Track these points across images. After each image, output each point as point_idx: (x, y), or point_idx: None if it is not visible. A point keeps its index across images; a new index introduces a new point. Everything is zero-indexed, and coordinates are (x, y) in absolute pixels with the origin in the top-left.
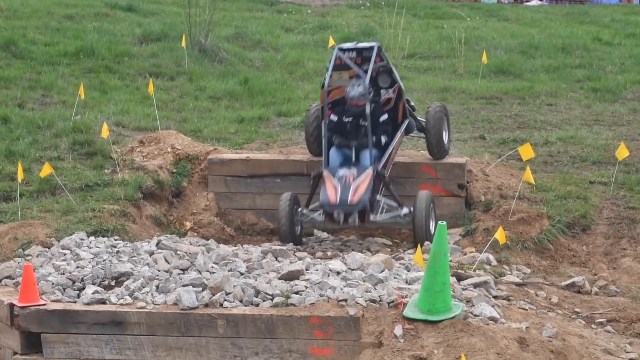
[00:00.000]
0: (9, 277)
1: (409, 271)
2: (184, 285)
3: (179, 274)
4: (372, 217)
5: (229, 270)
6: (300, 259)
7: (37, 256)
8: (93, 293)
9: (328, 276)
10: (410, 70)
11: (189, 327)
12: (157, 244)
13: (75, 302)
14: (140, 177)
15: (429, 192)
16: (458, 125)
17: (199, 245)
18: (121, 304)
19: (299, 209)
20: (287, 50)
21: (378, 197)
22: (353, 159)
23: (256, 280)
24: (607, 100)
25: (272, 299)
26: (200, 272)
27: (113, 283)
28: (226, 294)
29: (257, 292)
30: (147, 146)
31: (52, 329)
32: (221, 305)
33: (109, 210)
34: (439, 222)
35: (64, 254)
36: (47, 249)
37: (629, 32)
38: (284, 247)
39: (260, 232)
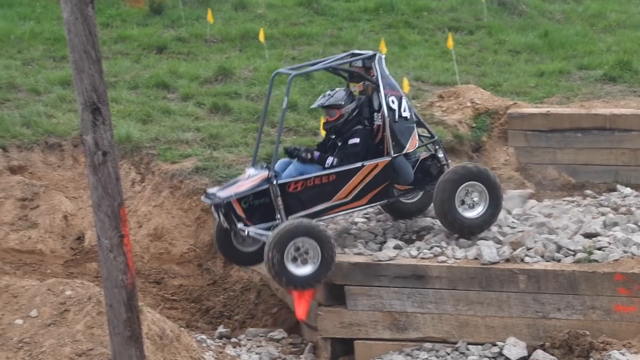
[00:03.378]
0: None
1: None
2: (485, 240)
3: None
4: (239, 225)
5: (529, 226)
6: (602, 214)
7: None
8: (394, 247)
9: (632, 232)
10: None
11: (490, 282)
12: None
13: (377, 256)
14: (440, 131)
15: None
16: None
17: None
18: (422, 258)
19: None
20: (588, 1)
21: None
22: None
23: (558, 235)
24: None
25: (574, 255)
26: (500, 227)
27: (414, 237)
28: (527, 249)
29: (559, 248)
30: (447, 101)
31: (355, 281)
32: (522, 260)
33: None
34: None
35: None
36: None
37: None
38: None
39: (561, 187)
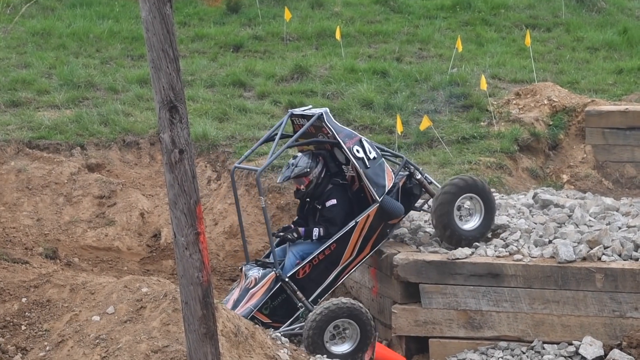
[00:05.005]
0: None
1: None
2: (562, 239)
3: (555, 227)
4: (270, 332)
5: (607, 224)
6: None
7: None
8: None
9: None
10: None
11: (566, 281)
12: (533, 197)
13: (453, 254)
14: (517, 129)
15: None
16: None
17: (576, 199)
18: (497, 256)
19: None
20: None
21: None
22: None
23: (635, 234)
24: None
25: None
26: (577, 225)
27: (489, 235)
28: (604, 248)
29: (637, 247)
30: (523, 98)
31: (430, 279)
32: (599, 259)
33: (485, 163)
34: None
35: None
36: None
37: None
38: None
39: (639, 185)
